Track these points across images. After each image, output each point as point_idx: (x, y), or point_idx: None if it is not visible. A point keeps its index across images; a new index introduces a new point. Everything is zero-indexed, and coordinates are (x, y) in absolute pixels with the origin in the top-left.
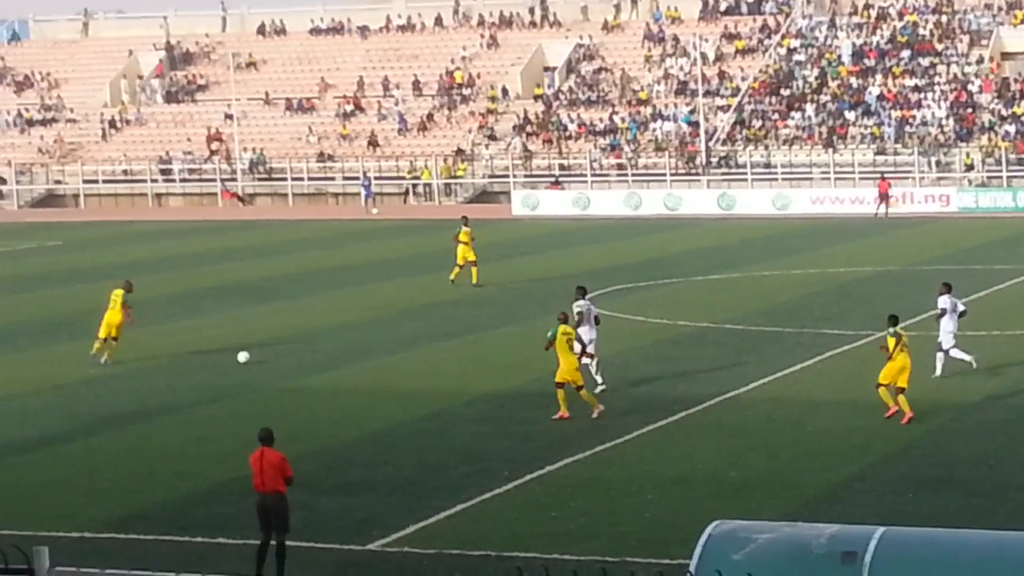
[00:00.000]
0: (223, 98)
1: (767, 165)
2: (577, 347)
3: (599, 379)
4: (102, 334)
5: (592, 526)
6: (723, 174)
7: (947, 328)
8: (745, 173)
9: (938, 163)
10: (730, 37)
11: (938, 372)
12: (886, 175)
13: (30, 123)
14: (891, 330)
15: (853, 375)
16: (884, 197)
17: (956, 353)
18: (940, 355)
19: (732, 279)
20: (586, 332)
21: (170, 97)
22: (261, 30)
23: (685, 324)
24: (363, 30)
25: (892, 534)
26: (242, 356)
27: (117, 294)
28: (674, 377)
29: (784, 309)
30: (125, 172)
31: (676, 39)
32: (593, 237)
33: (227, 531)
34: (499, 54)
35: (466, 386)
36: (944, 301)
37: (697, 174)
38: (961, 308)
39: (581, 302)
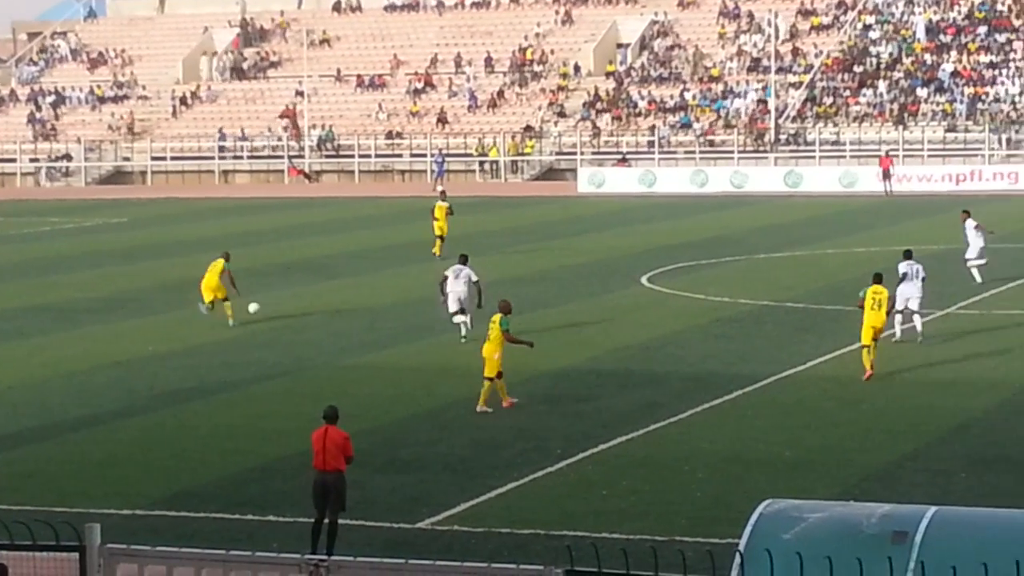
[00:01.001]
0: (295, 75)
1: (835, 142)
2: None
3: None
4: (207, 298)
5: (642, 505)
6: (791, 151)
7: (906, 294)
8: (813, 151)
9: (1008, 140)
10: (806, 13)
11: (897, 335)
12: (889, 152)
13: (102, 100)
14: (863, 291)
15: (911, 354)
16: (886, 175)
17: (915, 320)
18: (899, 318)
19: (795, 257)
20: (462, 289)
21: (242, 74)
22: (336, 7)
23: (745, 302)
24: (438, 6)
25: (943, 514)
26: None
27: (218, 263)
28: (731, 355)
29: (846, 288)
30: (200, 148)
31: (751, 15)
32: (658, 215)
33: (279, 509)
34: (573, 31)
35: (522, 364)
36: (903, 266)
37: (765, 151)
38: (923, 274)
39: (459, 267)
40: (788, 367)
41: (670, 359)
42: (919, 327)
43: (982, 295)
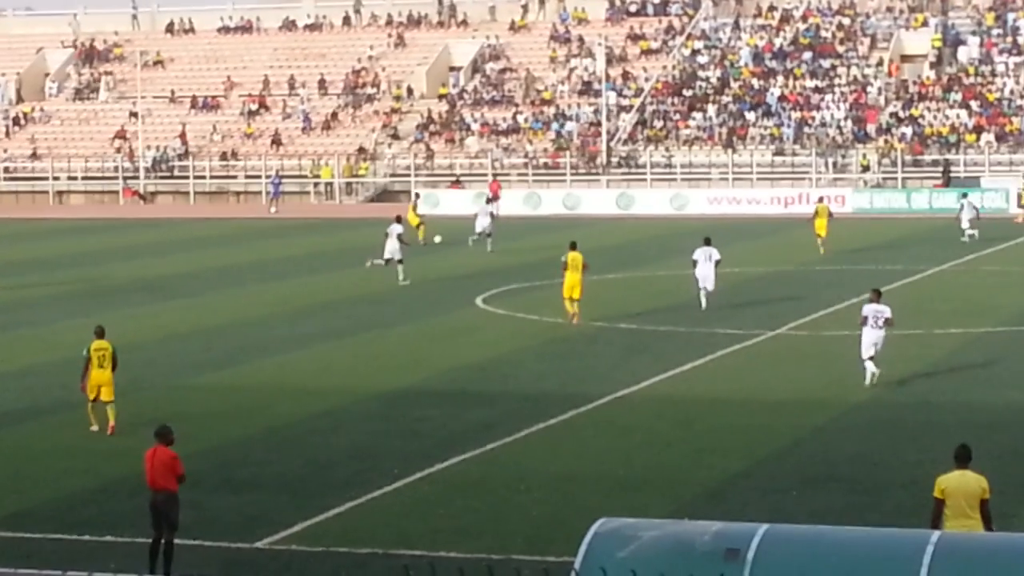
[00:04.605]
0: (129, 96)
1: (667, 165)
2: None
3: None
4: None
5: (479, 524)
6: (623, 174)
7: (868, 339)
8: (645, 173)
9: (835, 164)
10: (635, 38)
11: (867, 381)
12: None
13: None
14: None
15: (742, 374)
16: (495, 197)
17: (868, 365)
18: (868, 364)
19: (627, 278)
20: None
21: (76, 95)
22: (170, 28)
23: (579, 323)
24: (271, 29)
25: (775, 531)
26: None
27: None
28: (565, 376)
29: (677, 308)
30: (34, 168)
31: (581, 40)
32: (492, 236)
33: (116, 529)
34: (405, 54)
35: (358, 384)
36: (866, 309)
37: (597, 174)
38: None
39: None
40: (621, 387)
41: (505, 379)
42: (873, 370)
43: (811, 316)
